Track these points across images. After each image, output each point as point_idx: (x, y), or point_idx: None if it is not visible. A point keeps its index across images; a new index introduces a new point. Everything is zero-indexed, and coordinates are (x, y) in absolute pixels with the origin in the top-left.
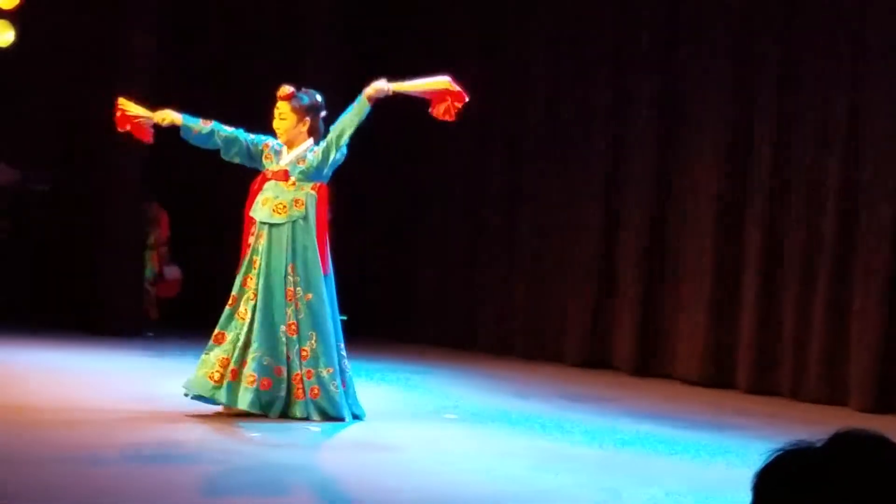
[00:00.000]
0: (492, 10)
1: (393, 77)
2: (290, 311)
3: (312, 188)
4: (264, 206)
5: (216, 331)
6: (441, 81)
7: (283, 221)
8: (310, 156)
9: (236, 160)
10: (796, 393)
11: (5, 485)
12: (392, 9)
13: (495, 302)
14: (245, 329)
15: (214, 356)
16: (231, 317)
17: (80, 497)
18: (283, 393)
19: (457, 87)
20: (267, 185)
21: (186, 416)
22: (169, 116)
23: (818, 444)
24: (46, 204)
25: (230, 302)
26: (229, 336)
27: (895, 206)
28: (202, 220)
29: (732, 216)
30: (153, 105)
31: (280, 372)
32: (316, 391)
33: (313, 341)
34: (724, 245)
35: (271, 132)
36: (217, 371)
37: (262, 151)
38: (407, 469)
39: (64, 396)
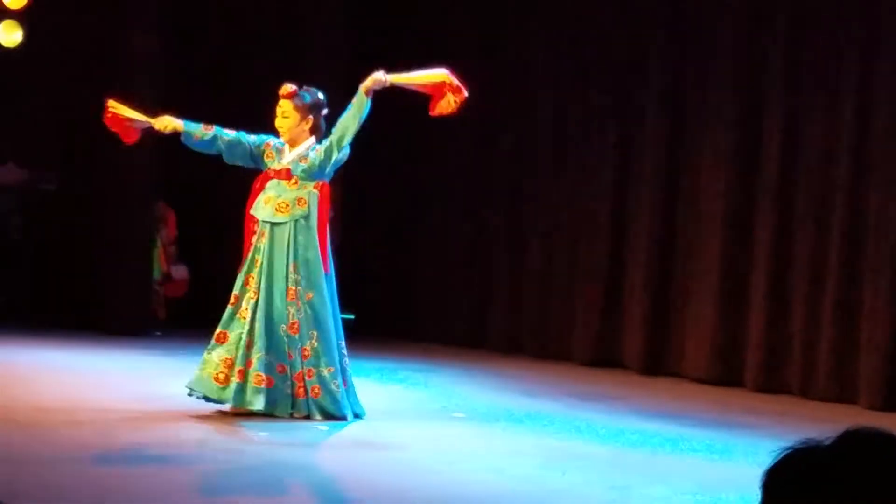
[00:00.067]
0: (492, 9)
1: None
2: (291, 310)
3: (315, 187)
4: (267, 205)
5: (218, 330)
6: (439, 74)
7: (286, 220)
8: (312, 154)
9: (239, 163)
10: (805, 391)
11: (10, 484)
12: (392, 9)
13: (503, 301)
14: (247, 329)
15: (217, 356)
16: (233, 316)
17: (84, 497)
18: (287, 391)
19: (455, 81)
20: (269, 183)
21: (190, 415)
22: (171, 124)
23: (827, 443)
24: (54, 204)
25: (232, 301)
26: (231, 336)
27: None
28: (210, 219)
29: (741, 215)
30: (157, 106)
31: (283, 370)
32: (317, 390)
33: (314, 340)
34: (732, 244)
35: (272, 132)
36: (222, 372)
37: (263, 151)
38: (414, 468)
39: (70, 396)
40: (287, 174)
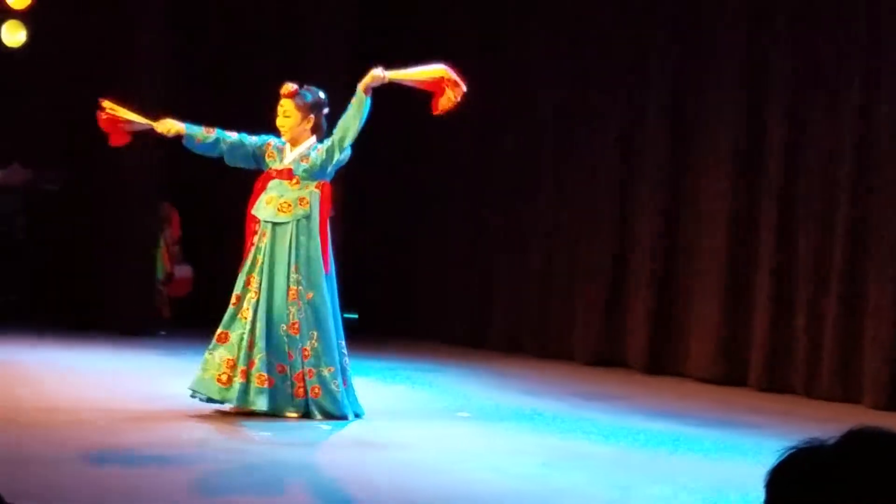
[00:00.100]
0: (493, 9)
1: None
2: (292, 309)
3: (316, 186)
4: (269, 206)
5: (220, 330)
6: (437, 70)
7: (288, 220)
8: (313, 154)
9: (241, 165)
10: (809, 391)
11: (13, 484)
12: (392, 8)
13: (506, 300)
14: (248, 329)
15: (219, 356)
16: (234, 316)
17: (87, 497)
18: (287, 391)
19: (453, 76)
20: (271, 183)
21: (193, 415)
22: (174, 127)
23: (831, 442)
24: (58, 203)
25: (233, 301)
26: (233, 336)
27: None
28: (214, 219)
29: (744, 215)
30: (160, 105)
31: (283, 370)
32: (317, 390)
33: (314, 340)
34: (735, 243)
35: (273, 131)
36: (224, 373)
37: (265, 151)
38: (416, 467)
39: (74, 395)
40: (289, 174)
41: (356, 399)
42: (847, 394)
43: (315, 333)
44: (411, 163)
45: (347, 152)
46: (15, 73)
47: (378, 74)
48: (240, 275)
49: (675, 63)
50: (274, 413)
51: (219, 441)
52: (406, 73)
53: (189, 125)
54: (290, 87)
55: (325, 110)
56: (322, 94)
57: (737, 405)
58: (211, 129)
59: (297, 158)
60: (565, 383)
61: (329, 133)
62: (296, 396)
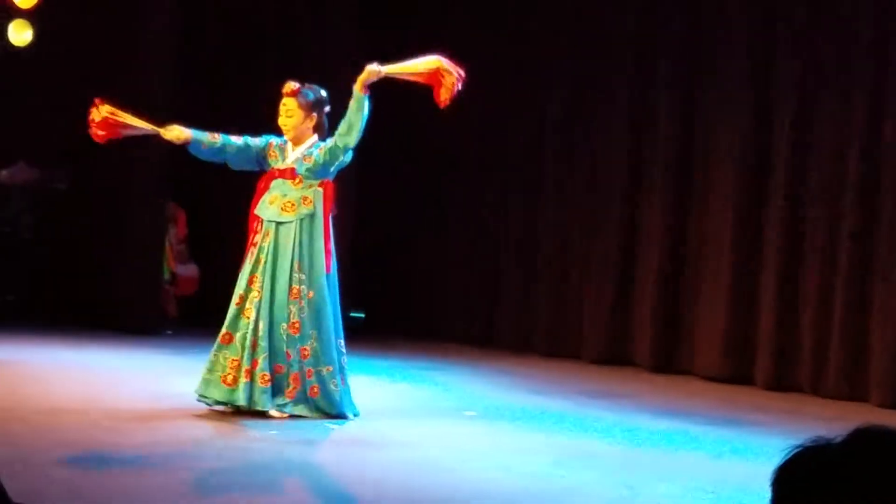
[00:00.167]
0: (494, 9)
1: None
2: (293, 308)
3: (319, 185)
4: (272, 205)
5: (224, 331)
6: (432, 61)
7: (291, 219)
8: (316, 152)
9: (245, 168)
10: (816, 389)
11: (21, 484)
12: (392, 8)
13: (514, 299)
14: (251, 328)
15: (224, 357)
16: (238, 316)
17: (94, 497)
18: (281, 391)
19: (448, 65)
20: (274, 183)
21: (199, 414)
22: (182, 134)
23: (838, 441)
24: (65, 202)
25: (237, 301)
26: (237, 336)
27: None
28: (220, 218)
29: (751, 214)
30: (166, 105)
31: (280, 370)
32: (316, 390)
33: (314, 340)
34: (743, 242)
35: (274, 131)
36: (229, 373)
37: (267, 151)
38: (423, 466)
39: (80, 395)
40: (291, 173)
41: (351, 399)
42: (854, 392)
43: (315, 333)
44: (419, 162)
45: (350, 154)
46: (21, 73)
47: (373, 70)
48: (241, 274)
49: (681, 64)
50: (278, 412)
51: (223, 440)
52: (401, 66)
53: (196, 131)
54: (292, 85)
55: (327, 108)
56: (323, 93)
57: (743, 404)
58: (216, 135)
59: (299, 157)
60: (572, 382)
61: (331, 132)
62: (286, 397)
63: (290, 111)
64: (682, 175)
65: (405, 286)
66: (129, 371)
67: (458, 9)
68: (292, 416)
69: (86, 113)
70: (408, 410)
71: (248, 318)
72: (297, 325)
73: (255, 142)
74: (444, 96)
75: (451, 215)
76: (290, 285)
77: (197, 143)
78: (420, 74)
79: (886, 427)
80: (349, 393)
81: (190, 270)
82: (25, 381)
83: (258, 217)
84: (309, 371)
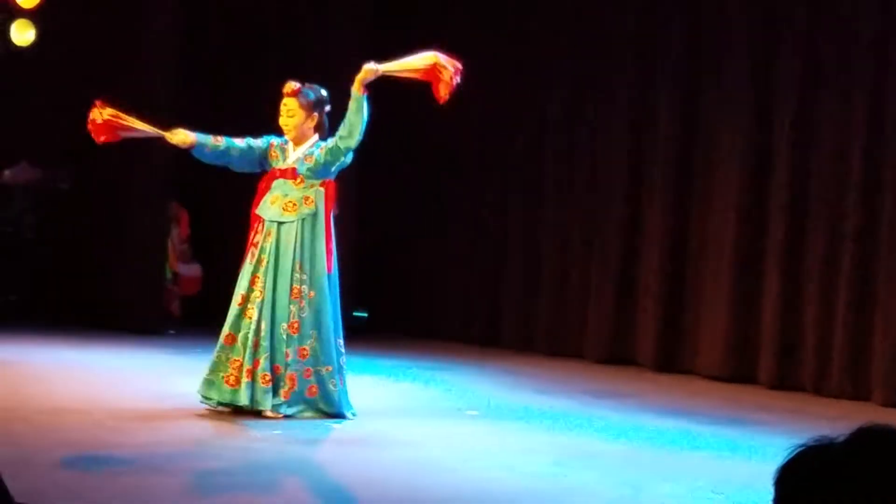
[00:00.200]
0: (495, 9)
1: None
2: (293, 308)
3: (321, 185)
4: (273, 205)
5: (227, 331)
6: (428, 57)
7: (293, 219)
8: (317, 152)
9: (247, 170)
10: (819, 388)
11: (24, 484)
12: (392, 8)
13: (517, 298)
14: (253, 328)
15: (226, 358)
16: (240, 316)
17: (96, 496)
18: (278, 391)
19: (445, 61)
20: (275, 183)
21: (202, 414)
22: (188, 138)
23: (841, 440)
24: (68, 202)
25: (239, 301)
26: (239, 337)
27: None
28: (223, 218)
29: (754, 213)
30: (169, 105)
31: (278, 370)
32: (314, 390)
33: (314, 340)
34: (745, 241)
35: (275, 131)
36: (232, 374)
37: (268, 152)
38: (427, 466)
39: (83, 395)
40: (293, 173)
41: (349, 399)
42: (857, 391)
43: (315, 333)
44: (420, 161)
45: (350, 156)
46: (23, 72)
47: (371, 68)
48: (241, 274)
49: (682, 64)
50: (260, 410)
51: (226, 440)
52: (398, 64)
53: (200, 134)
54: (292, 85)
55: (327, 108)
56: (324, 92)
57: (747, 403)
58: (219, 138)
59: (300, 157)
60: (576, 381)
61: (331, 132)
62: (282, 397)
63: (291, 111)
64: (684, 174)
65: (407, 286)
66: (132, 371)
67: (458, 9)
68: (288, 417)
69: (88, 113)
70: (410, 410)
71: (251, 318)
72: (296, 325)
73: (258, 143)
74: (442, 91)
75: (453, 215)
76: (291, 285)
77: (201, 146)
78: (417, 71)
79: (889, 426)
80: (347, 393)
81: (193, 270)
82: (28, 381)
83: (259, 217)
84: (307, 371)
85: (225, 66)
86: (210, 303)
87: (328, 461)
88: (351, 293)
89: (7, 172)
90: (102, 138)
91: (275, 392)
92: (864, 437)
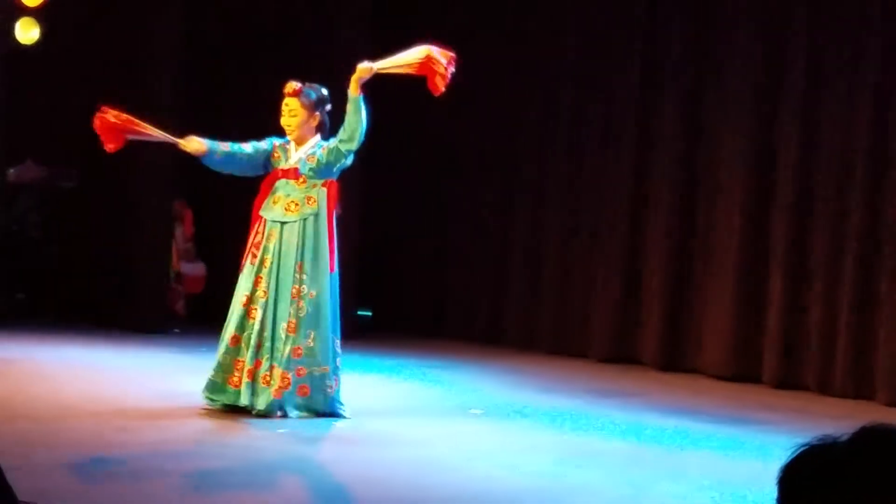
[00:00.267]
0: (497, 9)
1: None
2: (293, 308)
3: (323, 185)
4: (276, 206)
5: (232, 333)
6: (421, 51)
7: (296, 219)
8: (319, 152)
9: (249, 173)
10: (823, 388)
11: (28, 482)
12: (393, 8)
13: (521, 297)
14: (257, 329)
15: (232, 360)
16: (244, 317)
17: (101, 495)
18: (272, 389)
19: (438, 54)
20: (278, 183)
21: (206, 413)
22: (202, 146)
23: (844, 439)
24: (73, 201)
25: (243, 302)
26: (243, 337)
27: None
28: (227, 216)
29: (758, 212)
30: (171, 105)
31: (273, 369)
32: (306, 390)
33: (311, 339)
34: (750, 240)
35: (276, 131)
36: (236, 375)
37: (271, 153)
38: (430, 464)
39: (88, 393)
40: (295, 173)
41: (341, 400)
42: (860, 391)
43: (313, 333)
44: (423, 160)
45: (351, 157)
46: (28, 71)
47: (365, 67)
48: (243, 275)
49: (688, 63)
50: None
51: (230, 439)
52: (392, 60)
53: (210, 142)
54: (293, 85)
55: (328, 107)
56: (325, 91)
57: (750, 402)
58: (226, 144)
59: (302, 157)
60: (580, 380)
61: (332, 131)
62: (273, 396)
63: (293, 111)
64: (688, 173)
65: (410, 284)
66: (137, 369)
67: (458, 9)
68: (282, 416)
69: (92, 111)
70: (413, 409)
71: (254, 318)
72: (294, 325)
73: (262, 145)
74: (438, 84)
75: (455, 213)
76: (292, 285)
77: (212, 153)
78: (411, 66)
79: (892, 426)
80: (339, 393)
81: (197, 269)
82: (33, 380)
83: (261, 217)
84: (300, 370)
85: (225, 66)
86: (214, 302)
87: (331, 460)
88: (354, 292)
89: (12, 171)
90: (112, 146)
91: (270, 391)
92: (868, 436)
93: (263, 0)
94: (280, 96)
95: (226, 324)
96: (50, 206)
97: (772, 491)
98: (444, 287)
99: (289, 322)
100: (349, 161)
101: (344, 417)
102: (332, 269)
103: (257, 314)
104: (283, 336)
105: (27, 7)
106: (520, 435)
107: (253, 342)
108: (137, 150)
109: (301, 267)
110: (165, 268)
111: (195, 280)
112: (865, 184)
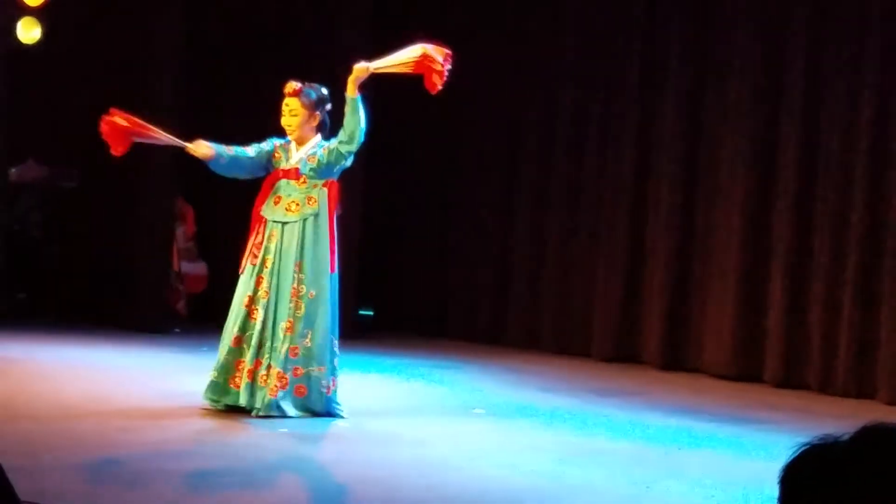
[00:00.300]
0: (497, 9)
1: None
2: (291, 307)
3: (324, 185)
4: (277, 206)
5: (235, 334)
6: (417, 49)
7: (296, 219)
8: (320, 152)
9: (252, 176)
10: (825, 387)
11: (29, 482)
12: (392, 8)
13: (523, 296)
14: (258, 329)
15: (234, 359)
16: (247, 318)
17: (103, 494)
18: (268, 388)
19: (433, 51)
20: (279, 183)
21: (208, 413)
22: (210, 151)
23: (845, 439)
24: (74, 200)
25: (245, 302)
26: (245, 338)
27: None
28: (229, 215)
29: (760, 211)
30: (173, 105)
31: (271, 369)
32: (303, 390)
33: (308, 339)
34: (751, 239)
35: (276, 132)
36: (237, 376)
37: (273, 153)
38: (432, 464)
39: (90, 393)
40: (296, 174)
41: (338, 400)
42: (862, 390)
43: (310, 332)
44: (426, 159)
45: (351, 160)
46: (29, 70)
47: (362, 67)
48: (244, 276)
49: (687, 63)
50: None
51: (231, 438)
52: (388, 60)
53: (217, 146)
54: (293, 85)
55: (328, 106)
56: (325, 91)
57: (752, 401)
58: (230, 148)
59: (303, 158)
60: (581, 380)
61: (333, 130)
62: (269, 395)
63: (293, 110)
64: (690, 173)
65: (413, 284)
66: (138, 369)
67: (458, 9)
68: (280, 416)
69: (93, 111)
70: (416, 408)
71: (256, 319)
72: (292, 324)
73: (263, 147)
74: (435, 82)
75: (458, 212)
76: (291, 285)
77: (218, 158)
78: (408, 64)
79: (894, 425)
80: (336, 394)
81: (199, 268)
82: (34, 379)
83: (262, 218)
84: (297, 370)
85: (225, 67)
86: (216, 301)
87: (331, 460)
88: (356, 292)
89: (13, 170)
90: (119, 150)
91: (267, 391)
92: (869, 435)
93: (264, 0)
94: (280, 96)
95: (227, 324)
96: (51, 205)
97: (773, 490)
98: (445, 287)
99: (287, 321)
100: (349, 162)
101: (341, 417)
102: (332, 270)
103: (259, 314)
104: (281, 336)
105: (28, 7)
106: (521, 434)
107: (254, 342)
108: (139, 149)
109: (300, 267)
110: (166, 267)
111: (196, 279)
112: (866, 183)
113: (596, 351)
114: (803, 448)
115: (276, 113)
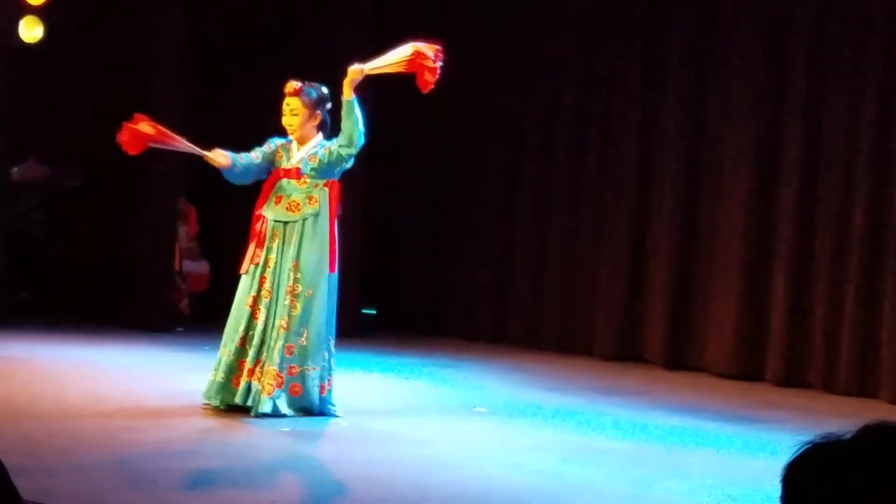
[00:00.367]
0: (498, 9)
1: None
2: (288, 306)
3: (325, 185)
4: (278, 205)
5: (241, 333)
6: (408, 48)
7: (297, 219)
8: (321, 152)
9: (250, 180)
10: (827, 386)
11: (31, 481)
12: (392, 8)
13: (526, 295)
14: (259, 329)
15: (237, 359)
16: (250, 318)
17: (105, 493)
18: (264, 388)
19: (424, 49)
20: (280, 183)
21: (209, 412)
22: (227, 160)
23: (847, 437)
24: (76, 199)
25: (249, 302)
26: (248, 337)
27: None
28: (231, 215)
29: (762, 211)
30: (177, 104)
31: (269, 368)
32: (297, 389)
33: (303, 338)
34: (754, 239)
35: (276, 132)
36: (240, 375)
37: (275, 153)
38: (434, 463)
39: (92, 392)
40: (297, 173)
41: (332, 399)
42: (864, 389)
43: (305, 331)
44: (428, 159)
45: (351, 161)
46: (32, 69)
47: (355, 69)
48: (246, 276)
49: (689, 63)
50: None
51: (233, 437)
52: (381, 60)
53: (232, 154)
54: (294, 84)
55: (329, 106)
56: (325, 90)
57: (754, 400)
58: (241, 156)
59: (304, 157)
60: (584, 379)
61: (333, 130)
62: (264, 394)
63: (294, 110)
64: (692, 173)
65: (414, 283)
66: (140, 368)
67: (458, 9)
68: (276, 415)
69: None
70: (418, 407)
71: (259, 319)
72: (287, 323)
73: (266, 149)
74: (427, 81)
75: (459, 212)
76: (287, 283)
77: (233, 166)
78: (401, 64)
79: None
80: (331, 393)
81: (201, 267)
82: (37, 379)
83: (263, 217)
84: (292, 368)
85: (227, 66)
86: (218, 300)
87: (332, 459)
88: (358, 291)
89: (15, 170)
90: (132, 152)
91: (263, 389)
92: (871, 434)
93: (265, 0)
94: (281, 96)
95: (228, 325)
96: (53, 204)
97: (776, 489)
98: (447, 285)
99: (282, 319)
100: (350, 164)
101: (336, 417)
102: (332, 270)
103: (261, 314)
104: (276, 334)
105: (30, 6)
106: (523, 433)
107: (255, 342)
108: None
109: (296, 266)
110: (169, 267)
111: (199, 278)
112: (868, 183)
113: (598, 350)
114: (805, 447)
115: (277, 113)
